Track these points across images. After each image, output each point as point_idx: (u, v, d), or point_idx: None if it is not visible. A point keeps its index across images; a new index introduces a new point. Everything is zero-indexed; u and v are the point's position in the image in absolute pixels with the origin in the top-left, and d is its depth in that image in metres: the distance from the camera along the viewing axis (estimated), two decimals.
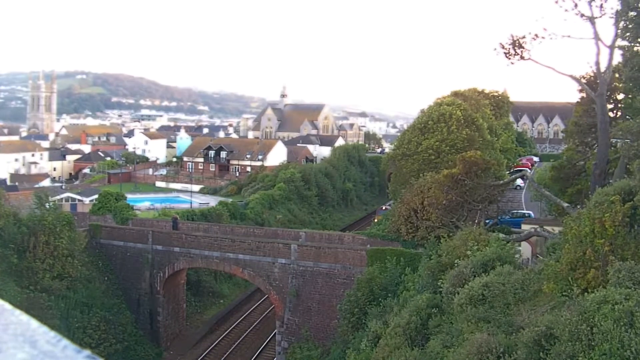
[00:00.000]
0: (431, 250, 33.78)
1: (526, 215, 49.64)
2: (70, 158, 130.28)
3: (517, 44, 37.96)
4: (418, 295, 28.09)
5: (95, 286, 47.10)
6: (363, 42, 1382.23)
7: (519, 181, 66.58)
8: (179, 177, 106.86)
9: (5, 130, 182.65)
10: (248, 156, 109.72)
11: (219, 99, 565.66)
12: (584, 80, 40.87)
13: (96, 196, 66.11)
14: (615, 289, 15.68)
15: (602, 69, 36.81)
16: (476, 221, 38.71)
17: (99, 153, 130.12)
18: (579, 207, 33.42)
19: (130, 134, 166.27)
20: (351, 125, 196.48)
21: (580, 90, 43.73)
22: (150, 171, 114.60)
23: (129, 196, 68.41)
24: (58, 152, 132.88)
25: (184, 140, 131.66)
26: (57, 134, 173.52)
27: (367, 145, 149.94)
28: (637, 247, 18.63)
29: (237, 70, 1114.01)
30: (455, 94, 79.88)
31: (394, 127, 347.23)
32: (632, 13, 32.37)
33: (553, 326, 15.43)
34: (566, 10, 35.23)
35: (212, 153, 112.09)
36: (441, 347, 20.26)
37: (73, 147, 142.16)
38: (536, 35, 37.30)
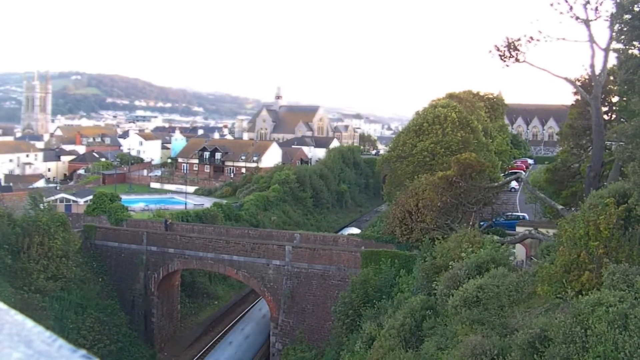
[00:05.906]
0: (426, 252, 33.75)
1: (521, 217, 49.72)
2: (65, 159, 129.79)
3: (512, 47, 38.12)
4: (412, 297, 28.10)
5: (89, 287, 46.94)
6: (358, 43, 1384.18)
7: (514, 183, 66.78)
8: (174, 178, 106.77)
9: (0, 131, 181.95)
10: (243, 157, 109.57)
11: (213, 100, 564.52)
12: (578, 83, 41.04)
13: (91, 197, 65.96)
14: (609, 291, 15.73)
15: (597, 71, 36.98)
16: (471, 223, 38.74)
17: (94, 154, 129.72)
18: (573, 209, 33.56)
19: (125, 135, 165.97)
20: (346, 127, 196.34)
21: (575, 93, 43.88)
22: (145, 172, 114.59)
23: (124, 197, 68.30)
24: (52, 153, 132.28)
25: (178, 142, 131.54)
26: (51, 135, 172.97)
27: (361, 147, 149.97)
28: (631, 249, 18.69)
29: (231, 71, 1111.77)
30: (450, 96, 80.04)
31: (389, 129, 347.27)
32: (627, 16, 32.47)
33: (547, 328, 15.46)
34: (561, 12, 35.46)
35: (206, 154, 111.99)
36: (435, 349, 20.28)
37: (68, 147, 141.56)
38: (531, 37, 37.49)
